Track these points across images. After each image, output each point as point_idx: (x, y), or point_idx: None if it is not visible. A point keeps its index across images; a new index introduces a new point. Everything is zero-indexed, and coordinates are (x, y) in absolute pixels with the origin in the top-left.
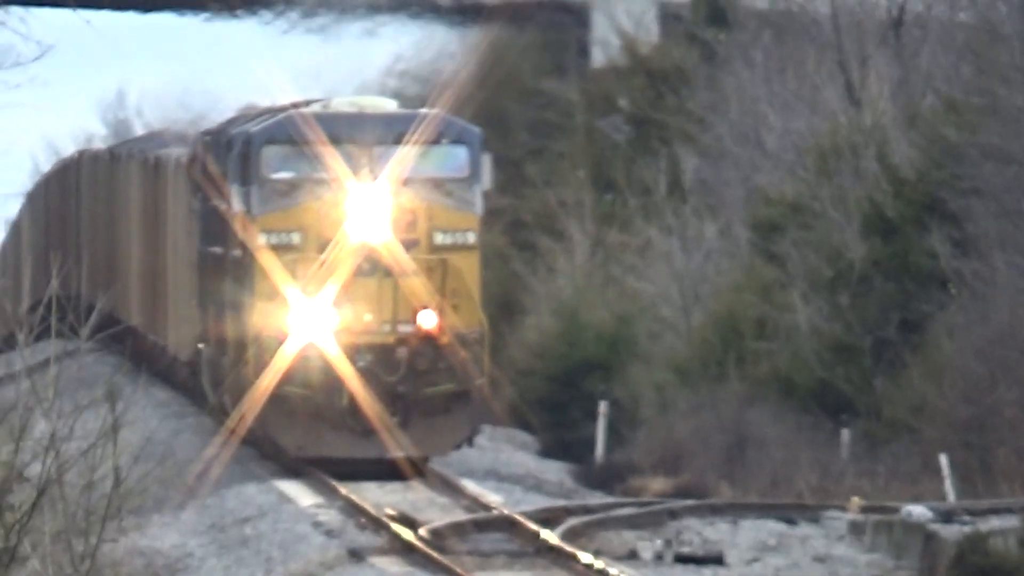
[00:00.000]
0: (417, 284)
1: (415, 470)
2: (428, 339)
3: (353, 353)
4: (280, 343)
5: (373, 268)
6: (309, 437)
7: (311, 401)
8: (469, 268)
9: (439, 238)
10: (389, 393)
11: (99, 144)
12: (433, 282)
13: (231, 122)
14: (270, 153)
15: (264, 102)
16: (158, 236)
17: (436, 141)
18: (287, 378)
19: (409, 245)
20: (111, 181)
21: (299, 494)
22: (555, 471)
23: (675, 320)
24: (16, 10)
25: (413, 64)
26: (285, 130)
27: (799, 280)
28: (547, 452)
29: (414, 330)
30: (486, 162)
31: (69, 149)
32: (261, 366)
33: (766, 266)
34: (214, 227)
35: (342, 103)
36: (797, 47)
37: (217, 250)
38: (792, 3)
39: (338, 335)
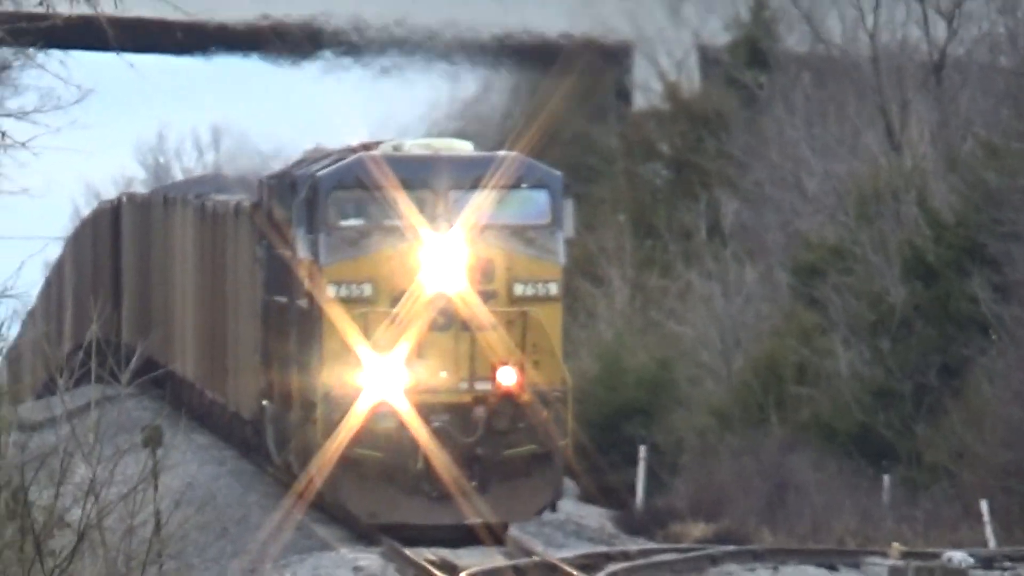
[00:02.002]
0: (496, 339)
1: (494, 537)
2: (507, 398)
3: (428, 413)
4: (350, 402)
5: (449, 322)
6: (381, 502)
7: (383, 464)
8: (551, 321)
9: (519, 289)
10: (466, 455)
11: (139, 187)
12: (513, 336)
13: (297, 164)
14: (339, 199)
15: (331, 143)
16: (216, 285)
17: (515, 185)
18: (358, 440)
19: (487, 297)
20: (160, 226)
21: (340, 539)
22: (595, 516)
23: (715, 365)
24: (56, 53)
25: (458, 108)
26: (354, 174)
27: (840, 325)
28: (587, 497)
29: (493, 388)
30: (568, 208)
31: (109, 192)
32: (330, 426)
33: (807, 311)
34: (279, 276)
35: (415, 145)
36: (838, 91)
37: (282, 300)
38: (833, 47)
39: (412, 393)
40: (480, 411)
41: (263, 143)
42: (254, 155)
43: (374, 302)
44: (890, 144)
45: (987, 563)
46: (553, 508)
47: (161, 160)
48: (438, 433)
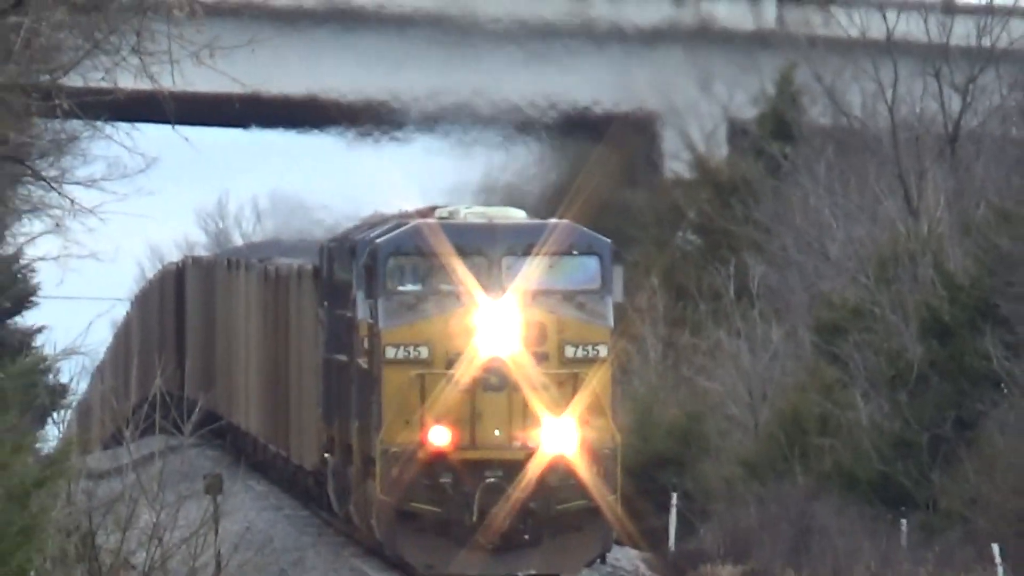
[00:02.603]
0: (547, 399)
1: None
2: (559, 455)
3: (482, 469)
4: (408, 458)
5: (502, 382)
6: (438, 555)
7: (439, 518)
8: (601, 382)
9: (570, 352)
10: (519, 510)
11: (200, 251)
12: (564, 397)
13: (356, 229)
14: (397, 265)
15: (387, 209)
16: (279, 344)
17: (567, 252)
18: (415, 494)
19: (539, 359)
20: (224, 287)
21: (382, 574)
22: (629, 559)
23: (743, 417)
24: (123, 125)
25: (501, 179)
26: (412, 241)
27: (860, 380)
28: (622, 540)
29: (545, 446)
30: (617, 274)
31: (173, 255)
32: (388, 481)
33: (829, 367)
34: (339, 335)
35: (470, 213)
36: (858, 161)
37: (342, 358)
38: (853, 120)
39: (467, 450)
40: (533, 467)
41: (319, 210)
42: (310, 221)
43: (431, 364)
44: (908, 210)
45: None
46: (603, 560)
47: (221, 225)
48: (492, 488)
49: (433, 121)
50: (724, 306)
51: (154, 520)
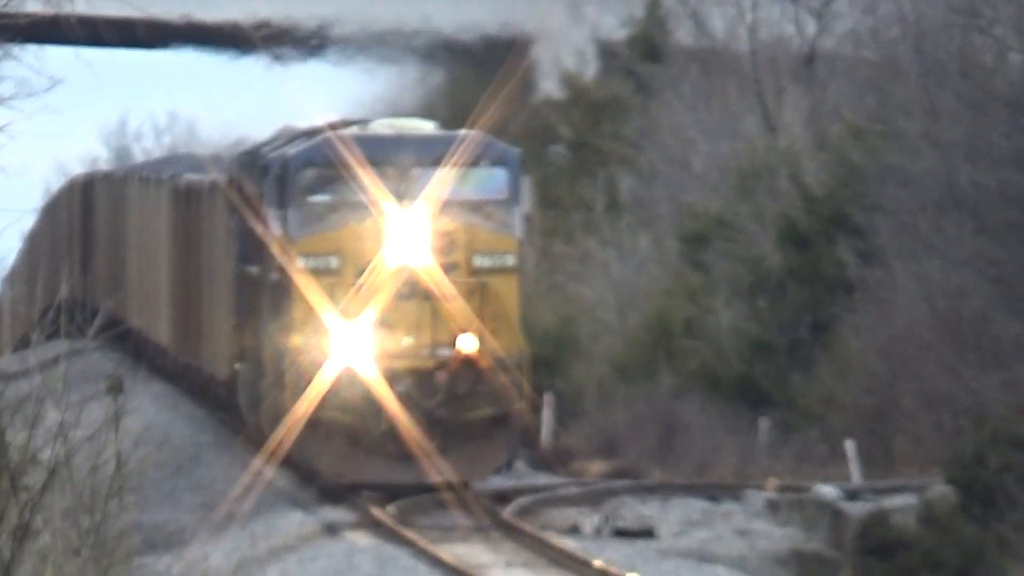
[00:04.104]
0: (456, 308)
1: (454, 495)
2: (467, 363)
3: (392, 377)
4: (318, 367)
5: (412, 292)
6: (347, 462)
7: (349, 426)
8: (508, 291)
9: (478, 261)
10: (428, 418)
11: (103, 166)
12: (472, 306)
13: (267, 143)
14: (308, 176)
15: (298, 124)
16: (191, 257)
17: (475, 163)
18: (325, 403)
19: (448, 268)
20: (134, 200)
21: (279, 475)
22: None
23: (612, 322)
24: (31, 47)
25: (380, 100)
26: (323, 152)
27: (722, 286)
28: None
29: (453, 354)
30: (525, 184)
31: (77, 171)
32: (299, 390)
33: (693, 273)
34: (250, 247)
35: (380, 125)
36: (720, 80)
37: (254, 270)
38: (716, 41)
39: (377, 359)
40: (441, 376)
41: (218, 126)
42: (212, 137)
43: (341, 273)
44: (767, 127)
45: (852, 496)
46: (509, 467)
47: (123, 142)
48: (401, 397)
49: (318, 42)
50: (594, 217)
51: (59, 419)
